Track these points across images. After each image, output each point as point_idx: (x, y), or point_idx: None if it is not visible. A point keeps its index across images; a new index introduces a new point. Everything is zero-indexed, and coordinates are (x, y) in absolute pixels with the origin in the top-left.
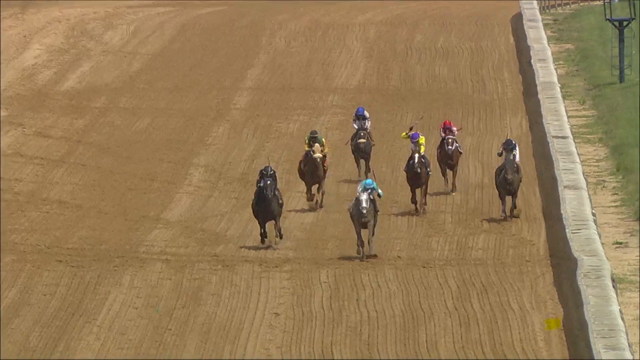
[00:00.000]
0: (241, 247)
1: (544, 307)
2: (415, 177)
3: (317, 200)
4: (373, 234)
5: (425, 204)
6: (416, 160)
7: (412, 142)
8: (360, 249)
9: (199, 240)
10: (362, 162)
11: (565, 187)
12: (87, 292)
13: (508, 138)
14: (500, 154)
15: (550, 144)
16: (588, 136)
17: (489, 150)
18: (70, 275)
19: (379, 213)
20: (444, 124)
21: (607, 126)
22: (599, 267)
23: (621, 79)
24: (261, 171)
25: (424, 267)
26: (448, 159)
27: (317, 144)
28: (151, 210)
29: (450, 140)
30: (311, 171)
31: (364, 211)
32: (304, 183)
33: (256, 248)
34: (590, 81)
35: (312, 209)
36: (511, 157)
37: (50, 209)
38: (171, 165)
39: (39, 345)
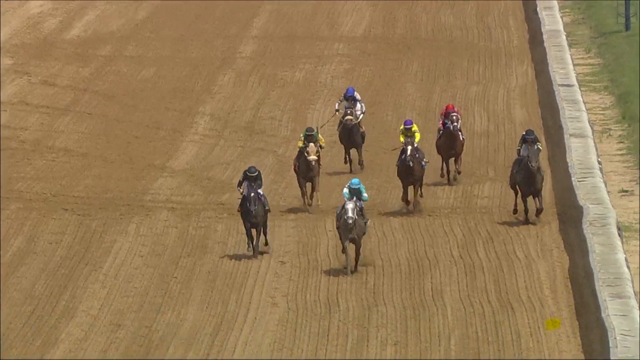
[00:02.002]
0: None
1: (550, 256)
2: (408, 171)
3: (309, 203)
4: (359, 253)
5: (419, 201)
6: (408, 152)
7: (405, 129)
8: (347, 263)
9: (205, 188)
10: (355, 153)
11: (571, 135)
12: (92, 241)
13: (529, 129)
14: (519, 151)
15: (556, 92)
16: (594, 84)
17: (494, 98)
18: (76, 224)
19: (367, 224)
20: (446, 108)
21: (612, 74)
22: (604, 215)
23: (627, 27)
24: (245, 172)
25: (429, 215)
26: (450, 147)
27: (311, 144)
28: (157, 158)
29: (454, 117)
30: (305, 168)
31: (350, 221)
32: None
33: None
34: (596, 29)
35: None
36: (534, 149)
37: (56, 158)
38: (177, 114)
39: (44, 294)
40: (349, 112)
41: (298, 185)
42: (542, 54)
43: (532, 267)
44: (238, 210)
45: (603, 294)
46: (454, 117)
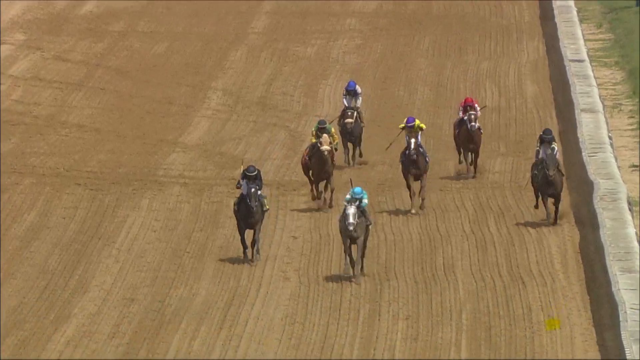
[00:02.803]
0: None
1: (561, 230)
2: (412, 165)
3: (324, 200)
4: (363, 254)
5: (423, 200)
6: (412, 146)
7: (408, 127)
8: (349, 267)
9: (217, 163)
10: (350, 145)
11: (581, 110)
12: (106, 215)
13: (546, 128)
14: (538, 152)
15: (567, 68)
16: (605, 59)
17: (505, 73)
18: (89, 199)
19: (371, 226)
20: (465, 101)
21: (623, 50)
22: (615, 190)
23: (638, 2)
24: (244, 171)
25: (440, 190)
26: (469, 142)
27: (325, 135)
28: (169, 133)
29: (472, 116)
30: (319, 166)
31: (351, 227)
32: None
33: (274, 171)
34: (606, 4)
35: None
36: (549, 151)
37: (69, 133)
38: (189, 89)
39: (58, 268)
40: (349, 113)
41: (307, 179)
42: (553, 29)
43: (543, 242)
44: (234, 211)
45: (613, 268)
46: (472, 117)
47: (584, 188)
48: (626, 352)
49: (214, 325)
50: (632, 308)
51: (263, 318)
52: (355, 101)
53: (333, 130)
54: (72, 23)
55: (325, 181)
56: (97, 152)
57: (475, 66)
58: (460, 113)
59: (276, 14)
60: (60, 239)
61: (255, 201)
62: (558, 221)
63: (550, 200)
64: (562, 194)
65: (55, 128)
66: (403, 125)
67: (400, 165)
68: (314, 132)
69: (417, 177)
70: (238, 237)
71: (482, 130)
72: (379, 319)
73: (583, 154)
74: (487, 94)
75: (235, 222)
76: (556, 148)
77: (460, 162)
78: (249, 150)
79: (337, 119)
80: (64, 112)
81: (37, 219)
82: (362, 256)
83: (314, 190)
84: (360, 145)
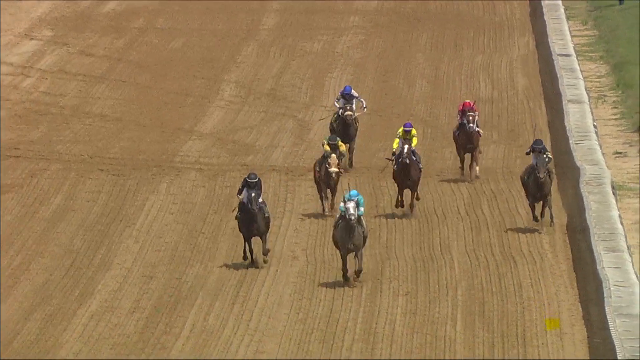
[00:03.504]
0: (269, 157)
1: (549, 213)
2: (404, 170)
3: (330, 207)
4: (360, 265)
5: (413, 205)
6: (405, 150)
7: (405, 131)
8: (346, 275)
9: (230, 150)
10: (346, 148)
11: (569, 101)
12: (127, 199)
13: (537, 138)
14: (528, 154)
15: (555, 62)
16: (590, 54)
17: (498, 67)
18: (112, 183)
19: (367, 234)
20: (463, 105)
21: (607, 45)
22: (600, 175)
23: (621, 0)
24: (245, 179)
25: (437, 175)
26: (468, 142)
27: (333, 156)
28: (186, 123)
29: (471, 117)
30: (325, 179)
31: (352, 218)
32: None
33: (283, 158)
34: (592, 3)
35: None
36: (543, 158)
37: (93, 122)
38: (204, 82)
39: (82, 248)
40: (348, 107)
41: (317, 189)
42: (542, 26)
43: (532, 223)
44: (235, 218)
45: (598, 248)
46: (470, 118)
47: (571, 173)
48: (610, 326)
49: (227, 301)
50: (615, 285)
51: (273, 294)
52: (351, 105)
53: (342, 146)
54: (96, 20)
55: (330, 191)
56: (119, 140)
57: (469, 60)
58: (458, 118)
59: (285, 11)
60: (85, 221)
61: (256, 205)
62: (544, 220)
63: (539, 205)
64: (549, 197)
65: (79, 118)
66: (401, 129)
67: (392, 172)
68: (326, 142)
69: (410, 186)
70: None
71: (481, 134)
72: (380, 295)
73: (570, 141)
74: (480, 86)
75: (238, 228)
76: (549, 157)
77: (461, 168)
78: (259, 139)
79: (330, 120)
80: (88, 103)
81: (63, 202)
82: (360, 265)
83: (321, 199)
84: (354, 149)
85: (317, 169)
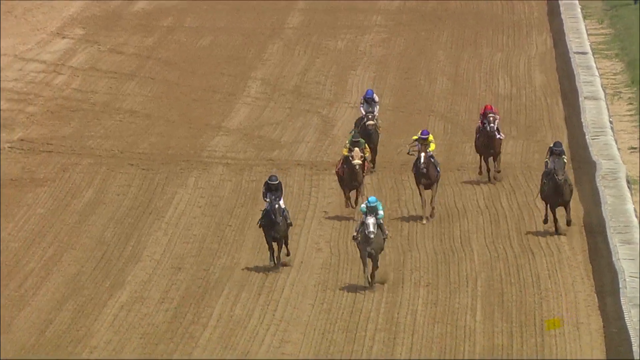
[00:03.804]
0: (294, 152)
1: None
2: (423, 177)
3: (352, 206)
4: (377, 267)
5: (433, 208)
6: (422, 159)
7: (421, 139)
8: (368, 276)
9: (256, 146)
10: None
11: (585, 97)
12: (156, 192)
13: (557, 141)
14: (547, 163)
15: (572, 59)
16: (606, 52)
17: (516, 64)
18: (141, 177)
19: (386, 239)
20: (485, 108)
21: (623, 43)
22: (615, 170)
23: (636, 0)
24: (266, 182)
25: (458, 170)
26: (489, 147)
27: (356, 149)
28: (213, 119)
29: (491, 118)
30: (349, 177)
31: (372, 236)
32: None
33: (308, 153)
34: (608, 2)
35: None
36: (561, 162)
37: (123, 118)
38: (231, 79)
39: (113, 240)
40: (370, 116)
41: (341, 189)
42: (560, 24)
43: (550, 216)
44: (259, 225)
45: (614, 240)
46: (491, 118)
47: (587, 168)
48: (625, 316)
49: (253, 292)
50: (631, 276)
51: (298, 285)
52: (373, 108)
53: (367, 151)
54: (126, 19)
55: (355, 190)
56: (148, 136)
57: (489, 58)
58: (480, 122)
59: (309, 10)
60: (115, 214)
61: (280, 216)
62: (568, 227)
63: (559, 210)
64: (570, 202)
65: (110, 114)
66: (417, 137)
67: (414, 176)
68: (347, 145)
69: (428, 187)
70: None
71: (501, 137)
72: (402, 286)
73: (586, 137)
74: (499, 83)
75: (263, 234)
76: (565, 160)
77: (480, 173)
78: (284, 134)
79: (354, 127)
80: (118, 100)
81: (94, 196)
82: (376, 267)
83: (347, 199)
84: (376, 152)
85: (341, 169)
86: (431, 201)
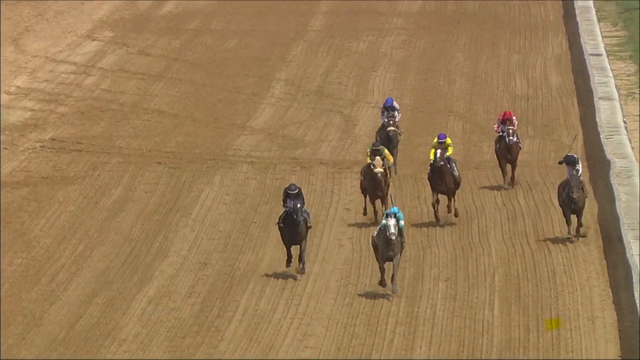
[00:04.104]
0: (317, 151)
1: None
2: (438, 174)
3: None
4: (396, 272)
5: (455, 208)
6: (438, 155)
7: (439, 142)
8: (385, 282)
9: (280, 145)
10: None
11: (599, 98)
12: (183, 190)
13: (569, 154)
14: (561, 163)
15: (587, 61)
16: (620, 54)
17: (533, 66)
18: (169, 175)
19: (404, 245)
20: (504, 114)
21: (636, 45)
22: (629, 168)
23: None
24: (286, 190)
25: (476, 168)
26: (507, 153)
27: (377, 157)
28: (238, 118)
29: (511, 131)
30: (372, 187)
31: (393, 237)
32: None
33: (330, 152)
34: (622, 5)
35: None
36: (574, 172)
37: (151, 118)
38: (256, 80)
39: (141, 236)
40: (391, 122)
41: (362, 194)
42: (575, 27)
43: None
44: (278, 225)
45: (628, 236)
46: (511, 131)
47: (602, 166)
48: (639, 310)
49: (277, 286)
50: None
51: (320, 280)
52: (394, 115)
53: (386, 151)
54: (154, 22)
55: (379, 200)
56: (175, 135)
57: (506, 59)
58: (496, 126)
59: (332, 13)
60: (143, 211)
61: (301, 215)
62: (581, 236)
63: (574, 216)
64: (583, 210)
65: (138, 114)
66: (436, 140)
67: (428, 177)
68: (368, 153)
69: (444, 192)
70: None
71: (521, 146)
72: (422, 281)
73: (601, 136)
74: (516, 84)
75: (280, 236)
76: (580, 170)
77: (505, 181)
78: (307, 134)
79: (375, 134)
80: (146, 100)
81: (123, 193)
82: (396, 272)
83: (366, 207)
84: (397, 156)
85: (362, 177)
86: (449, 206)
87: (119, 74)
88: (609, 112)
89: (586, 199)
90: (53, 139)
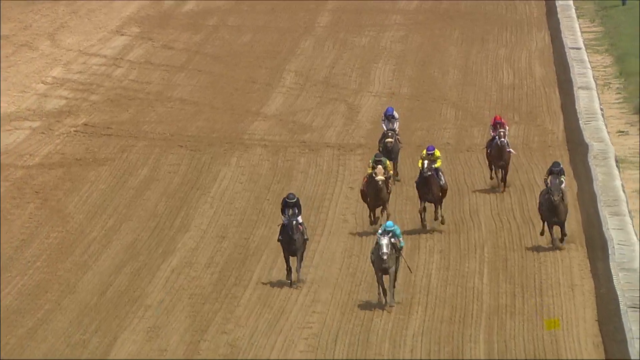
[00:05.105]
0: (324, 135)
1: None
2: (425, 183)
3: (380, 224)
4: (394, 285)
5: (442, 216)
6: (425, 165)
7: (428, 154)
8: (382, 297)
9: (290, 129)
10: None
11: (579, 87)
12: (202, 171)
13: (556, 161)
14: (546, 181)
15: (567, 54)
16: (597, 47)
17: (518, 58)
18: (190, 157)
19: (401, 258)
20: (494, 119)
21: (612, 39)
22: (605, 151)
23: (624, 2)
24: (284, 199)
25: (467, 150)
26: (498, 156)
27: (379, 167)
28: (253, 106)
29: (502, 133)
30: (374, 194)
31: (385, 257)
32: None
33: (336, 136)
34: (598, 4)
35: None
36: (557, 182)
37: (174, 105)
38: (268, 71)
39: (165, 212)
40: (389, 134)
41: (366, 205)
42: (556, 23)
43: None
44: (278, 240)
45: (604, 212)
46: (502, 133)
47: (581, 149)
48: (614, 279)
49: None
50: (619, 244)
51: (327, 252)
52: (393, 124)
53: (387, 162)
54: (176, 19)
55: (381, 207)
56: (196, 121)
57: (494, 52)
58: (491, 132)
59: (337, 11)
60: (167, 189)
61: (297, 232)
62: (563, 244)
63: (556, 227)
64: (566, 221)
65: (162, 102)
66: (425, 152)
67: (416, 186)
68: (370, 164)
69: (431, 201)
70: (307, 187)
71: (512, 151)
72: (418, 252)
73: (580, 122)
74: (504, 74)
75: (281, 249)
76: (564, 181)
77: (491, 178)
78: (315, 120)
79: (379, 142)
80: (170, 89)
81: (148, 173)
82: (394, 286)
83: (371, 215)
84: (397, 163)
85: (364, 186)
86: (435, 212)
87: (145, 65)
88: (587, 100)
89: (567, 212)
90: (86, 124)
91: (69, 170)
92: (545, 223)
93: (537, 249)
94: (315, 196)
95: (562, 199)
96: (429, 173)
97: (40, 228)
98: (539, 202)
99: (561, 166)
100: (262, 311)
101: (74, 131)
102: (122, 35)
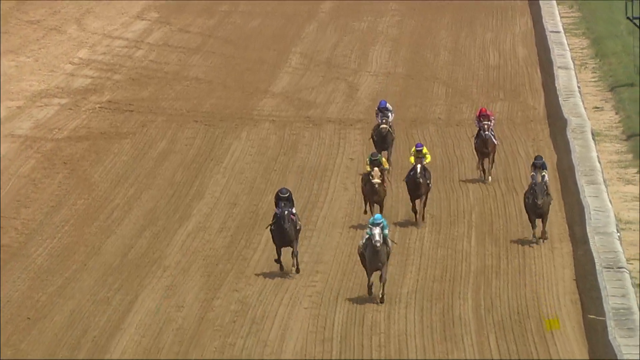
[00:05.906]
0: (326, 111)
1: (543, 153)
2: (416, 187)
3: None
4: (384, 279)
5: (424, 215)
6: (418, 170)
7: (417, 150)
8: (371, 290)
9: (296, 106)
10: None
11: (558, 67)
12: (215, 143)
13: (538, 154)
14: (533, 176)
15: (547, 37)
16: (575, 31)
17: (503, 41)
18: (204, 131)
19: (390, 252)
20: (480, 111)
21: (588, 24)
22: (582, 125)
23: None
24: (277, 193)
25: (457, 125)
26: (484, 147)
27: (376, 168)
28: (261, 84)
29: (486, 126)
30: (370, 194)
31: (378, 245)
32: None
33: (337, 112)
34: None
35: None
36: (540, 179)
37: (190, 84)
38: (276, 53)
39: (181, 181)
40: (383, 121)
41: (363, 198)
42: (538, 9)
43: (530, 162)
44: (269, 229)
45: (581, 181)
46: (486, 126)
47: (560, 123)
48: (590, 242)
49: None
50: (594, 210)
51: (329, 218)
52: (387, 117)
53: (384, 160)
54: (192, 5)
55: (377, 204)
56: (210, 98)
57: (482, 36)
58: (476, 124)
59: None
60: (183, 160)
61: (288, 222)
62: (545, 238)
63: (538, 220)
64: (548, 215)
65: (179, 81)
66: (414, 149)
67: (406, 185)
68: (367, 162)
69: (418, 197)
70: (310, 159)
71: (497, 142)
72: (412, 219)
73: (559, 99)
74: (490, 56)
75: (272, 239)
76: (546, 175)
77: (478, 169)
78: (318, 97)
79: (372, 132)
80: (186, 69)
81: (166, 146)
82: (384, 282)
83: (368, 209)
84: (391, 154)
85: (363, 184)
86: (422, 208)
87: (163, 47)
88: (566, 79)
89: (550, 205)
90: (109, 101)
91: (94, 143)
92: (531, 222)
93: (520, 214)
94: (318, 167)
95: (547, 195)
96: (420, 180)
97: (68, 195)
98: (524, 200)
99: (543, 160)
100: (270, 271)
101: (99, 107)
102: (143, 20)
